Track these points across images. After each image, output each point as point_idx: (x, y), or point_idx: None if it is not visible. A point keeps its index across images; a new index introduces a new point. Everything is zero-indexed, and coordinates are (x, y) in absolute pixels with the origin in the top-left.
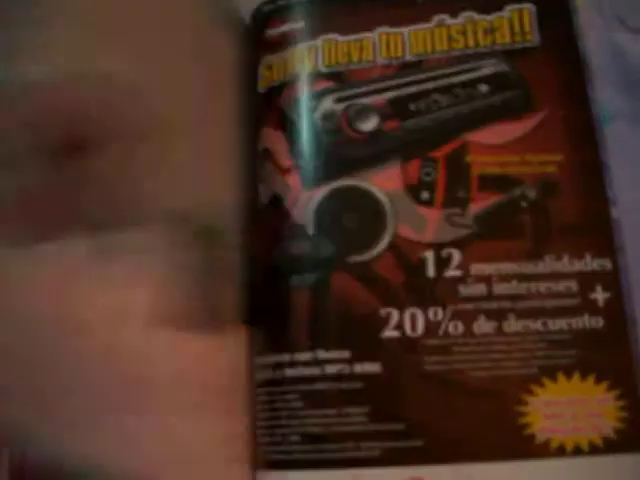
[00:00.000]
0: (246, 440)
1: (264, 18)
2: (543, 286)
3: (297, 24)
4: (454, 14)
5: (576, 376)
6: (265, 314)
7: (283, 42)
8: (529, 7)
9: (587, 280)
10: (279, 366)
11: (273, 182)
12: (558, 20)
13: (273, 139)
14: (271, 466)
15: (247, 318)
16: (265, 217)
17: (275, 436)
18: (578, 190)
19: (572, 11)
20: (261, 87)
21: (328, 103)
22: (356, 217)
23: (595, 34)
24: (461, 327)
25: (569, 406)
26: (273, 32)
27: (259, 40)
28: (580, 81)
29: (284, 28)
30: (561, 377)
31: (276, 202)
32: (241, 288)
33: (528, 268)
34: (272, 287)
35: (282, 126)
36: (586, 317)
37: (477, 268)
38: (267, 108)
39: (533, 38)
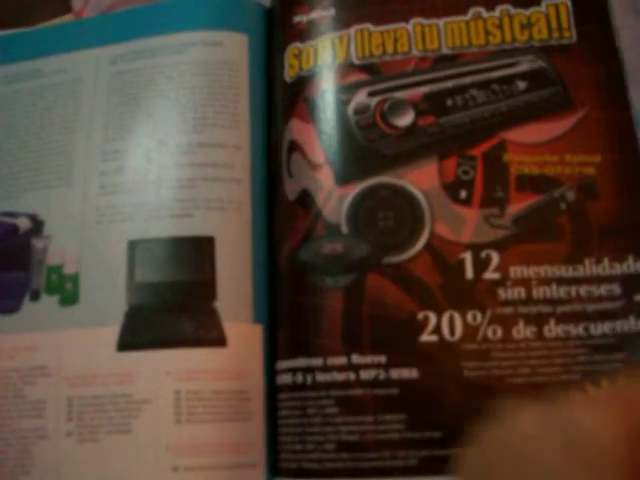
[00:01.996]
0: (261, 446)
1: (291, 3)
2: (583, 290)
3: (327, 11)
4: (490, 7)
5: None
6: (292, 316)
7: (312, 30)
8: (565, 2)
9: (631, 282)
10: (308, 370)
11: (302, 177)
12: (595, 17)
13: (302, 131)
14: (299, 475)
15: (268, 320)
16: (293, 214)
17: (305, 443)
18: (617, 192)
19: (608, 8)
20: (288, 76)
21: (361, 96)
22: (392, 216)
23: (630, 34)
24: (500, 332)
25: None
26: (301, 19)
27: (285, 26)
28: (618, 81)
29: (313, 15)
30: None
31: (305, 199)
32: (262, 288)
33: (568, 271)
34: (301, 288)
35: (312, 118)
36: (632, 320)
37: (516, 271)
38: (295, 98)
39: (570, 35)
